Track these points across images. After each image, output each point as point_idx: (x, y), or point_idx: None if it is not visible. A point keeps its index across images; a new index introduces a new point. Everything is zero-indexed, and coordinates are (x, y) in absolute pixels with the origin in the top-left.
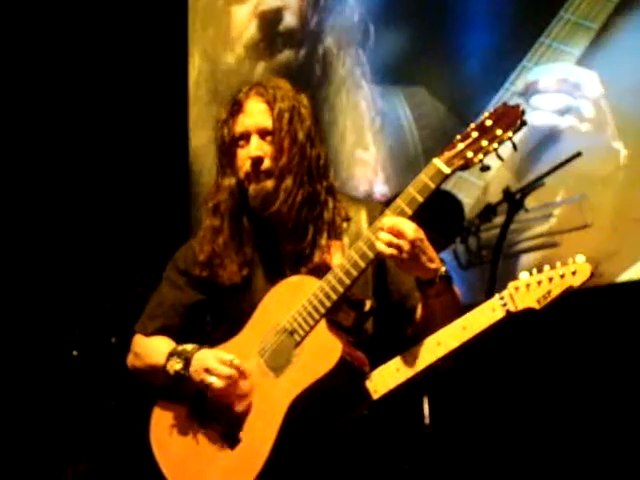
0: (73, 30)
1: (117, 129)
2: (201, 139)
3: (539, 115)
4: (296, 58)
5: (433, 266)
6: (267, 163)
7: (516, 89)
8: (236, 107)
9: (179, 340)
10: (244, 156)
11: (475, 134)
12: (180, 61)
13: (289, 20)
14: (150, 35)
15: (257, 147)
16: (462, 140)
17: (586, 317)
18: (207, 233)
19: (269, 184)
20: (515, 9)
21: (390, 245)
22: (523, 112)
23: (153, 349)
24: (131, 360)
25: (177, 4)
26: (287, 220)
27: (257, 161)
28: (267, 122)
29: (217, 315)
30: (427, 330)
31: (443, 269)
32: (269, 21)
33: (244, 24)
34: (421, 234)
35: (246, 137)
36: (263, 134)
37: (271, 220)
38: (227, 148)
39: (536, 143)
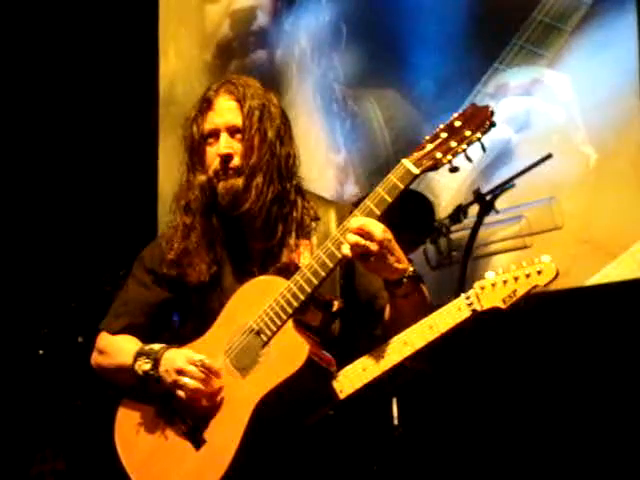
0: (44, 30)
1: (86, 127)
2: (173, 138)
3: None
4: (269, 58)
5: (401, 267)
6: (236, 161)
7: (487, 90)
8: (205, 105)
9: (145, 339)
10: (213, 154)
11: (444, 135)
12: (151, 60)
13: (262, 19)
14: (120, 34)
15: (226, 145)
16: (431, 141)
17: (554, 320)
18: (178, 231)
19: (238, 182)
20: (466, 31)
21: (358, 246)
22: (492, 113)
23: (119, 348)
24: (96, 358)
25: (148, 2)
26: (256, 218)
27: (226, 159)
28: (237, 120)
29: (184, 314)
30: (396, 330)
31: (411, 269)
32: (242, 20)
33: (217, 23)
34: (389, 235)
35: (215, 135)
36: (233, 132)
37: (240, 218)
38: (197, 146)
39: (502, 148)
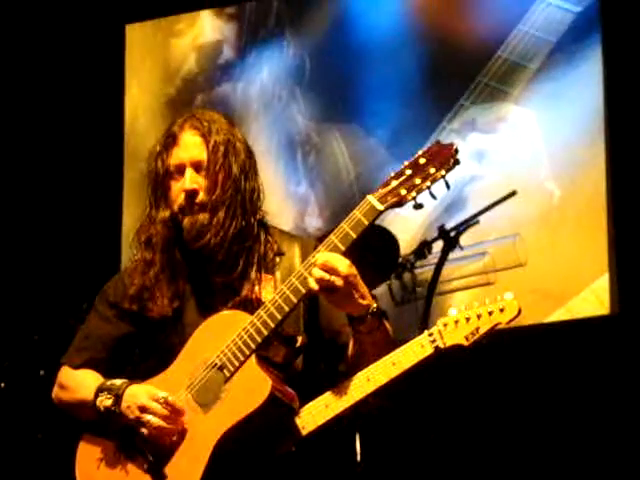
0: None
1: (51, 159)
2: (136, 172)
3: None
4: (234, 92)
5: (365, 302)
6: (201, 196)
7: (453, 127)
8: (170, 139)
9: (107, 373)
10: (178, 189)
11: (409, 172)
12: (116, 94)
13: (227, 53)
14: (86, 67)
15: (192, 180)
16: (396, 177)
17: (517, 355)
18: (139, 266)
19: (204, 217)
20: (423, 80)
21: (322, 281)
22: (456, 151)
23: (81, 383)
24: (57, 393)
25: (114, 36)
26: (218, 253)
27: (192, 194)
28: (202, 155)
29: (147, 348)
30: (359, 366)
31: (375, 305)
32: (208, 54)
33: (182, 57)
34: (354, 270)
35: (181, 170)
36: (198, 167)
37: (202, 253)
38: (160, 181)
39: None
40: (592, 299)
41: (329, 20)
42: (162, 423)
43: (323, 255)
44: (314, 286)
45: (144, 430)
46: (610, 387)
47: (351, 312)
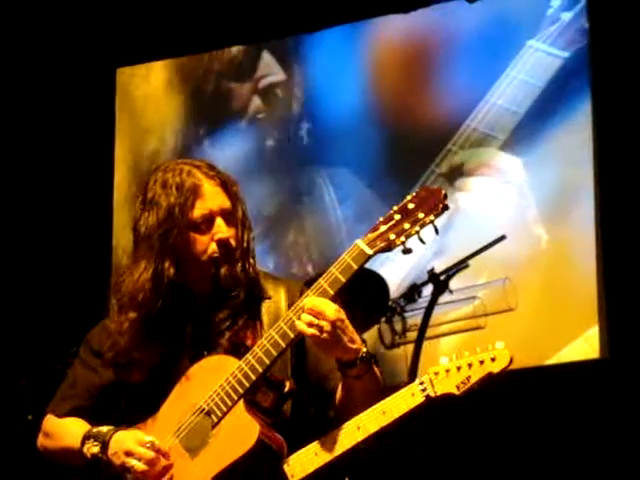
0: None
1: (36, 204)
2: (122, 220)
3: (464, 198)
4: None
5: (354, 347)
6: (233, 243)
7: (441, 171)
8: (189, 192)
9: (93, 421)
10: (206, 240)
11: (397, 217)
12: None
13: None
14: (78, 109)
15: (227, 229)
16: (385, 222)
17: (511, 400)
18: (125, 325)
19: (238, 266)
20: (385, 155)
21: (311, 325)
22: (445, 196)
23: (66, 431)
24: (42, 441)
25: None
26: (211, 300)
27: (227, 242)
28: (227, 203)
29: (133, 395)
30: (348, 411)
31: (364, 350)
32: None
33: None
34: (342, 315)
35: (209, 220)
36: (226, 216)
37: (194, 300)
38: (176, 235)
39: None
40: (585, 347)
41: (293, 104)
42: (146, 468)
43: (311, 300)
44: (303, 329)
45: (129, 476)
46: (601, 430)
47: (340, 356)
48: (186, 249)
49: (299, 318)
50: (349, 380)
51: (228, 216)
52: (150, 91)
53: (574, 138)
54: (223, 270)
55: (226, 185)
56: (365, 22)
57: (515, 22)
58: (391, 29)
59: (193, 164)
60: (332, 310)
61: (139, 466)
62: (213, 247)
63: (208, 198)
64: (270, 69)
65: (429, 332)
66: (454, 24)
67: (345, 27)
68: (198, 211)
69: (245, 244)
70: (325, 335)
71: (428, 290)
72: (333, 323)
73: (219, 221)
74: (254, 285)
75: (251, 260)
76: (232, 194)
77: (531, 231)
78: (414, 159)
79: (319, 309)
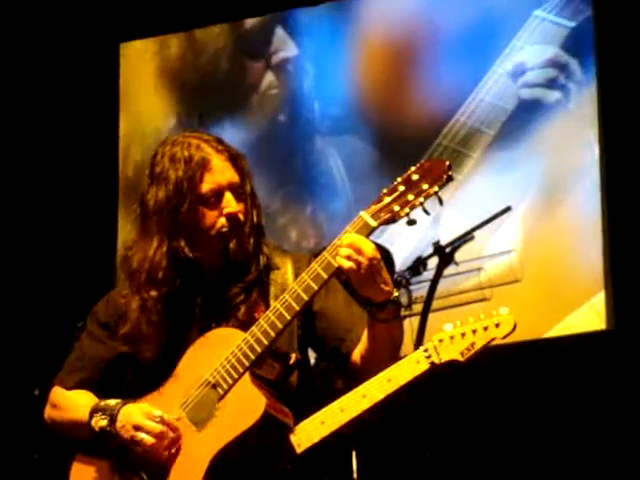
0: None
1: (43, 175)
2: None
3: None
4: None
5: (387, 288)
6: (242, 218)
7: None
8: (197, 165)
9: (101, 394)
10: (215, 214)
11: (401, 188)
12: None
13: None
14: (81, 95)
15: (235, 203)
16: (389, 194)
17: (513, 371)
18: (134, 301)
19: (249, 240)
20: (370, 171)
21: (349, 259)
22: (449, 167)
23: (74, 404)
24: (49, 413)
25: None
26: (222, 274)
27: (236, 217)
28: (236, 178)
29: (140, 367)
30: (371, 362)
31: (396, 294)
32: None
33: None
34: (378, 255)
35: (218, 195)
36: (234, 190)
37: (203, 272)
38: (186, 210)
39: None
40: (591, 314)
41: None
42: (156, 442)
43: (350, 236)
44: (342, 263)
45: (138, 449)
46: (606, 402)
47: (372, 296)
48: (196, 224)
49: (337, 254)
50: (377, 325)
51: (237, 191)
52: (158, 68)
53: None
54: (232, 244)
55: (235, 159)
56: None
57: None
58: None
59: (202, 138)
60: (370, 248)
61: (148, 439)
62: (222, 221)
63: (217, 172)
64: (283, 44)
65: (435, 304)
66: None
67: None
68: (207, 185)
69: (254, 218)
70: (362, 270)
71: (433, 263)
72: (370, 260)
73: (228, 195)
74: (265, 259)
75: (260, 235)
76: (240, 168)
77: (537, 202)
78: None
79: (358, 245)
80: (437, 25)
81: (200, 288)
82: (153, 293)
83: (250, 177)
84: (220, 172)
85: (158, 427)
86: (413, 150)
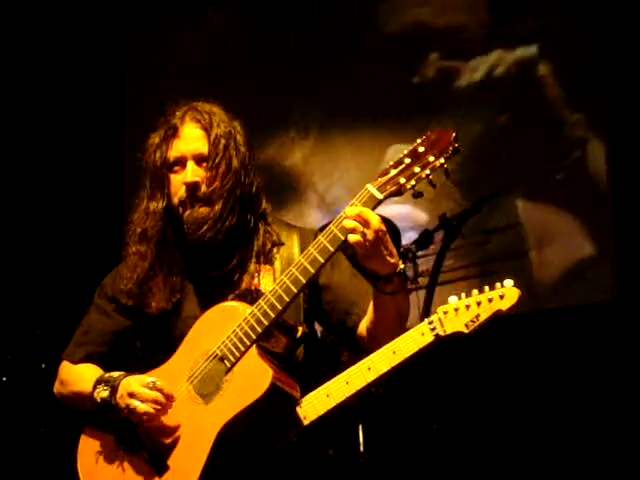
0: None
1: (51, 157)
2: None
3: None
4: None
5: (392, 261)
6: (202, 189)
7: None
8: (170, 131)
9: (107, 367)
10: (179, 181)
11: (408, 160)
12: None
13: None
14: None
15: (194, 173)
16: (395, 166)
17: (519, 341)
18: (132, 259)
19: (204, 210)
20: None
21: (356, 231)
22: (456, 138)
23: (80, 377)
24: (58, 387)
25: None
26: (215, 246)
27: (193, 187)
28: (204, 148)
29: (147, 341)
30: (377, 335)
31: (402, 266)
32: None
33: None
34: (384, 227)
35: (181, 162)
36: (199, 160)
37: (200, 246)
38: (159, 173)
39: None
40: (595, 284)
41: None
42: (147, 408)
43: (355, 208)
44: (349, 236)
45: (134, 417)
46: (610, 371)
47: (378, 269)
48: (169, 189)
49: (343, 225)
50: (382, 298)
51: (202, 160)
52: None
53: None
54: (186, 213)
55: (208, 130)
56: None
57: None
58: None
59: (191, 105)
60: (376, 220)
61: (141, 407)
62: (182, 190)
63: (183, 140)
64: None
65: (441, 277)
66: None
67: None
68: (172, 152)
69: (226, 190)
70: (368, 243)
71: (440, 236)
72: (376, 232)
73: (189, 164)
74: (244, 231)
75: (247, 207)
76: (215, 140)
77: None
78: None
79: (365, 217)
80: None
81: (199, 256)
82: (142, 248)
83: (233, 149)
84: (186, 140)
85: (151, 393)
86: None
